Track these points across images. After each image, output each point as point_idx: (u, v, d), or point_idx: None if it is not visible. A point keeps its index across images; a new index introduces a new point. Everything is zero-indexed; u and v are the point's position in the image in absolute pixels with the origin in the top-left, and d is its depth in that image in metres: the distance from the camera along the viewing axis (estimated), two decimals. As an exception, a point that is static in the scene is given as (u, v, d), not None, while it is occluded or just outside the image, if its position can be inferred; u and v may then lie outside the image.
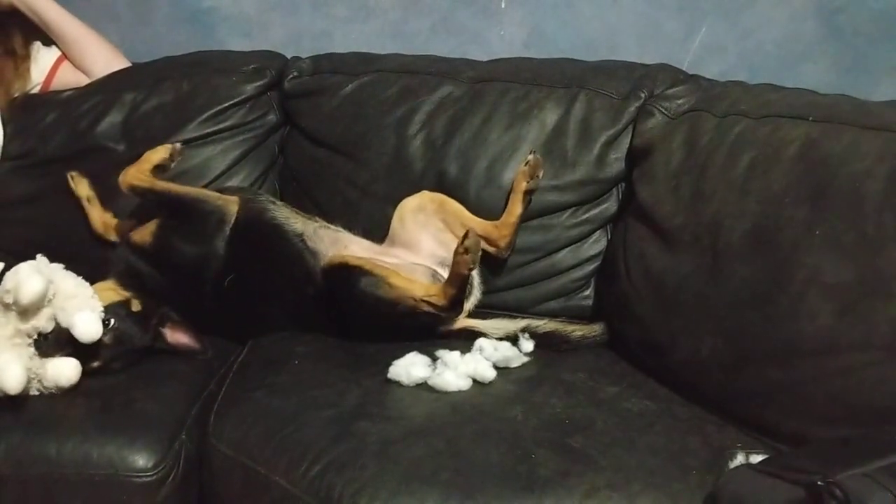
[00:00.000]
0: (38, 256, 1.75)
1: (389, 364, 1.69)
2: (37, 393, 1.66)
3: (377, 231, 2.07)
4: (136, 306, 1.87)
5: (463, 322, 1.94)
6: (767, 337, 1.57)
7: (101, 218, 2.13)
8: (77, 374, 1.67)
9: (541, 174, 1.97)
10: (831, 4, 2.19)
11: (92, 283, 1.80)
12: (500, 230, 1.98)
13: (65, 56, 2.32)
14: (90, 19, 2.33)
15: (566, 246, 2.05)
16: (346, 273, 1.87)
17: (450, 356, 1.71)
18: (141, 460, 1.58)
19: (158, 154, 2.00)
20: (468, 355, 1.73)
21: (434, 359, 1.71)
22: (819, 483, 1.08)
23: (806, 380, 1.52)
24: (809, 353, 1.52)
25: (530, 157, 1.97)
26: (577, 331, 1.93)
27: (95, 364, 1.74)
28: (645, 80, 2.04)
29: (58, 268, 1.76)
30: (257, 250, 1.97)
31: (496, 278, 2.06)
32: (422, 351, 1.73)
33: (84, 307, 1.70)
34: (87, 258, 1.99)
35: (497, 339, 1.84)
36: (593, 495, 1.37)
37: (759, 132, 1.73)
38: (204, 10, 2.43)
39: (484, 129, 2.06)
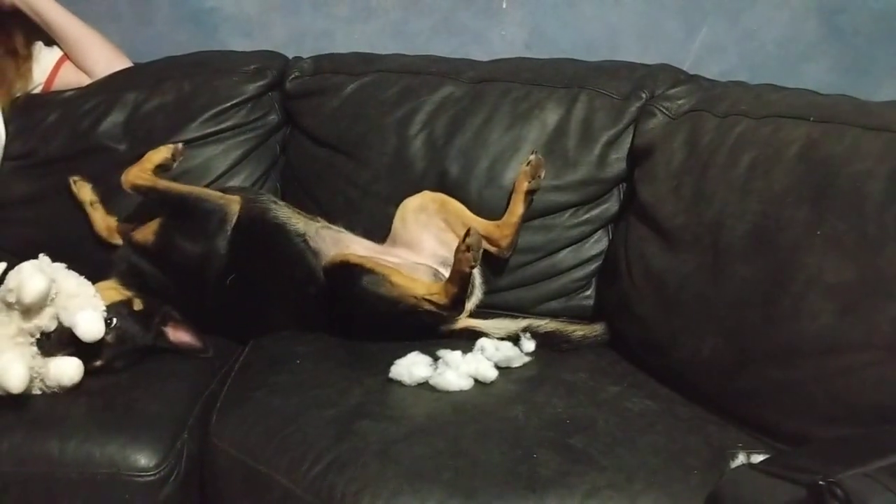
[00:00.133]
0: (41, 256, 1.75)
1: (391, 363, 1.69)
2: (39, 392, 1.66)
3: (379, 231, 2.07)
4: (138, 305, 1.87)
5: (464, 322, 1.94)
6: (768, 337, 1.57)
7: (104, 222, 2.13)
8: (79, 374, 1.67)
9: (542, 174, 1.97)
10: (832, 5, 2.19)
11: (94, 282, 1.80)
12: (501, 230, 1.98)
13: (66, 56, 2.33)
14: (92, 19, 2.34)
15: (567, 246, 2.06)
16: (348, 271, 1.87)
17: (451, 356, 1.71)
18: (143, 459, 1.58)
19: (160, 154, 2.01)
20: (470, 355, 1.73)
21: (436, 358, 1.72)
22: (820, 483, 1.07)
23: (807, 379, 1.52)
24: (810, 352, 1.52)
25: (532, 157, 1.97)
26: (578, 331, 1.93)
27: (97, 363, 1.74)
28: (646, 81, 2.04)
29: (60, 267, 1.76)
30: (259, 250, 1.97)
31: (498, 278, 2.06)
32: (423, 350, 1.73)
33: (86, 306, 1.70)
34: (88, 258, 2.00)
35: (498, 338, 1.84)
36: (594, 495, 1.37)
37: (760, 132, 1.73)
38: (205, 11, 2.44)
39: (485, 129, 2.06)
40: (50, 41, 2.33)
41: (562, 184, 2.02)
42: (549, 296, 2.07)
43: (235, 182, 2.22)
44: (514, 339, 1.85)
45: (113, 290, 1.88)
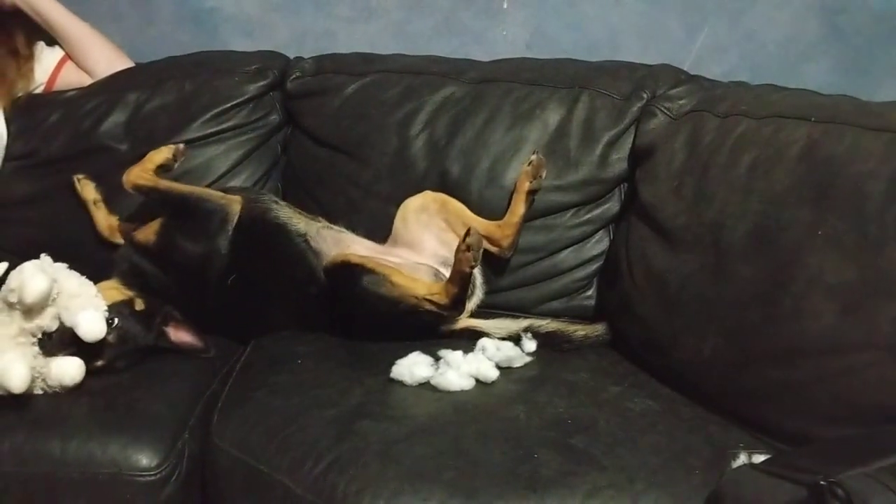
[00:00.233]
0: (42, 256, 1.75)
1: (392, 363, 1.70)
2: (41, 392, 1.66)
3: (380, 231, 2.07)
4: (139, 305, 1.87)
5: (465, 322, 1.94)
6: (769, 337, 1.58)
7: (106, 221, 2.13)
8: (81, 373, 1.67)
9: (544, 174, 1.97)
10: (833, 5, 2.19)
11: (95, 282, 1.80)
12: (502, 230, 1.98)
13: (68, 56, 2.33)
14: (93, 19, 2.34)
15: (568, 246, 2.06)
16: (349, 271, 1.88)
17: (452, 356, 1.71)
18: (144, 459, 1.58)
19: (162, 154, 2.01)
20: (471, 355, 1.73)
21: (437, 358, 1.72)
22: (821, 483, 1.07)
23: (808, 380, 1.52)
24: (812, 352, 1.52)
25: (533, 157, 1.97)
26: (579, 331, 1.93)
27: (99, 363, 1.74)
28: (647, 81, 2.05)
29: (62, 267, 1.76)
30: (260, 250, 1.97)
31: (499, 278, 2.06)
32: (424, 350, 1.73)
33: (88, 306, 1.70)
34: (90, 258, 2.00)
35: (499, 338, 1.84)
36: (596, 495, 1.37)
37: (762, 133, 1.73)
38: (207, 11, 2.44)
39: (486, 130, 2.06)
40: (51, 41, 2.34)
41: (563, 184, 2.02)
42: (550, 296, 2.07)
43: (237, 182, 2.22)
44: (516, 339, 1.85)
45: (114, 290, 1.88)
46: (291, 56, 2.34)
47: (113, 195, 2.13)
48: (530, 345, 1.83)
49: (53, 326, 1.68)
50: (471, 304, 1.97)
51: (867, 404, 1.46)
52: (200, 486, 1.65)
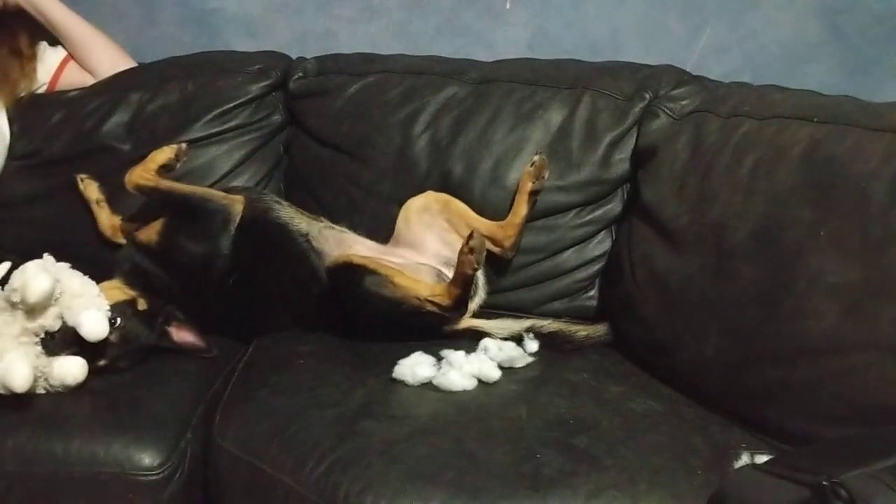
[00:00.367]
0: (45, 255, 1.76)
1: (394, 363, 1.70)
2: (43, 391, 1.67)
3: (382, 231, 2.07)
4: (141, 305, 1.87)
5: (468, 322, 1.94)
6: (772, 337, 1.58)
7: (109, 221, 2.13)
8: (83, 373, 1.68)
9: (546, 175, 1.97)
10: (835, 6, 2.19)
11: (98, 282, 1.81)
12: (505, 230, 1.98)
13: (71, 56, 2.33)
14: (96, 19, 2.34)
15: (571, 246, 2.06)
16: (351, 272, 1.88)
17: (455, 356, 1.71)
18: (147, 459, 1.58)
19: (164, 154, 2.01)
20: (473, 355, 1.73)
21: (439, 358, 1.72)
22: (824, 483, 1.07)
23: (810, 380, 1.52)
24: (814, 353, 1.52)
25: (536, 157, 1.97)
26: (581, 331, 1.93)
27: (101, 363, 1.74)
28: (649, 81, 2.04)
29: (64, 267, 1.77)
30: (262, 250, 1.97)
31: (501, 278, 2.06)
32: (427, 351, 1.73)
33: (90, 306, 1.71)
34: (93, 257, 2.00)
35: (502, 339, 1.84)
36: (598, 495, 1.37)
37: (764, 133, 1.73)
38: (209, 11, 2.44)
39: (489, 130, 2.06)
40: (54, 41, 2.34)
41: (565, 184, 2.02)
42: (552, 296, 2.07)
43: (239, 182, 2.22)
44: (518, 339, 1.85)
45: (117, 290, 1.88)
46: (294, 56, 2.34)
47: (115, 195, 2.13)
48: (532, 345, 1.83)
49: (56, 326, 1.68)
50: (473, 305, 1.97)
51: (869, 404, 1.46)
52: (202, 485, 1.66)
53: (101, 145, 2.21)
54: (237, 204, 1.98)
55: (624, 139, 2.01)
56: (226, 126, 2.23)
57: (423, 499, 1.37)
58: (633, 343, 1.88)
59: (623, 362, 1.87)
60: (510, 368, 1.76)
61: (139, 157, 2.04)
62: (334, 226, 2.05)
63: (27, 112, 2.27)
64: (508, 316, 2.00)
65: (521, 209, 1.97)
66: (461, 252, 1.79)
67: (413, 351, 1.73)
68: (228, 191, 2.06)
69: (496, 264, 2.03)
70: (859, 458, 1.13)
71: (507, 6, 2.34)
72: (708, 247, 1.72)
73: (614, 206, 2.05)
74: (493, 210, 2.02)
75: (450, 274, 1.89)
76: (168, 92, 2.24)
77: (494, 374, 1.71)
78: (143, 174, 1.97)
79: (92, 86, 2.31)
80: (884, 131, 1.57)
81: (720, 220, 1.70)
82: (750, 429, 1.59)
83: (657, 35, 2.30)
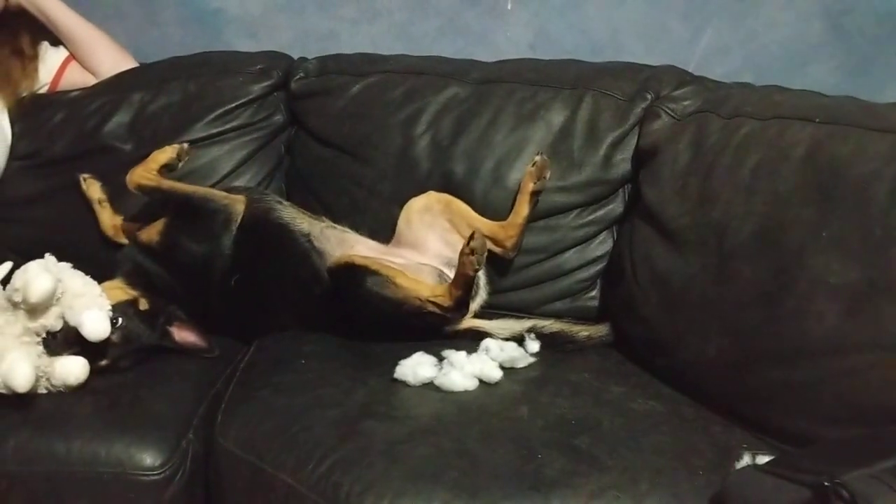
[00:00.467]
0: (47, 255, 1.76)
1: (396, 364, 1.70)
2: (45, 391, 1.67)
3: (383, 231, 2.07)
4: (143, 305, 1.87)
5: (469, 322, 1.94)
6: (774, 337, 1.58)
7: (111, 221, 2.13)
8: (85, 373, 1.68)
9: (548, 175, 1.97)
10: (837, 6, 2.19)
11: (100, 282, 1.81)
12: (506, 231, 1.98)
13: (72, 56, 2.33)
14: (97, 20, 2.34)
15: (572, 247, 2.06)
16: (353, 272, 1.88)
17: (456, 356, 1.71)
18: (148, 459, 1.58)
19: (166, 154, 2.01)
20: (474, 355, 1.73)
21: (440, 359, 1.72)
22: (825, 484, 1.08)
23: (812, 380, 1.52)
24: (816, 353, 1.52)
25: (537, 157, 1.97)
26: (582, 331, 1.93)
27: (103, 362, 1.74)
28: (651, 82, 2.04)
29: (66, 267, 1.77)
30: (264, 250, 1.97)
31: (502, 279, 2.06)
32: (428, 351, 1.73)
33: (92, 306, 1.71)
34: (94, 257, 2.01)
35: (503, 339, 1.84)
36: (599, 495, 1.37)
37: (766, 134, 1.73)
38: (211, 11, 2.44)
39: (490, 130, 2.06)
40: (56, 41, 2.34)
41: (567, 184, 2.02)
42: (553, 296, 2.08)
43: (240, 182, 2.22)
44: (519, 339, 1.85)
45: (118, 290, 1.88)
46: (295, 57, 2.34)
47: (117, 195, 2.14)
48: (534, 345, 1.84)
49: (58, 326, 1.68)
50: (474, 305, 1.97)
51: (870, 405, 1.46)
52: (204, 485, 1.66)
53: (102, 145, 2.21)
54: (238, 204, 1.98)
55: (625, 139, 2.01)
56: (227, 126, 2.23)
57: (425, 499, 1.37)
58: (635, 343, 1.88)
59: (624, 362, 1.87)
60: (511, 369, 1.76)
61: (141, 157, 2.04)
62: (336, 226, 2.05)
63: (29, 112, 2.27)
64: (510, 316, 2.00)
65: (523, 209, 1.97)
66: (462, 253, 1.79)
67: (414, 351, 1.73)
68: (230, 191, 2.06)
69: (498, 265, 2.03)
70: (861, 459, 1.13)
71: (509, 7, 2.34)
72: (709, 247, 1.72)
73: (616, 207, 2.05)
74: (495, 210, 2.02)
75: (451, 274, 1.89)
76: (170, 92, 2.24)
77: (496, 374, 1.71)
78: (144, 174, 1.97)
79: (94, 86, 2.31)
80: (885, 132, 1.57)
81: (722, 220, 1.70)
82: (751, 429, 1.59)
83: (659, 35, 2.30)
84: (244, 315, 1.96)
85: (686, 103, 1.95)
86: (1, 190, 2.24)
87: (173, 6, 2.45)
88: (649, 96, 2.01)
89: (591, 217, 2.05)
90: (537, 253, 2.05)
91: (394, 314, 1.85)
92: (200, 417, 1.69)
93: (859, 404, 1.47)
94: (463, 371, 1.68)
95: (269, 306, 1.96)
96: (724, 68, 2.24)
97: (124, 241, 2.09)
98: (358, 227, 2.07)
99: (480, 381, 1.69)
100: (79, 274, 1.77)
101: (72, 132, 2.23)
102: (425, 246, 2.02)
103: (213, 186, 2.14)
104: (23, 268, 1.69)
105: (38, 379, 1.63)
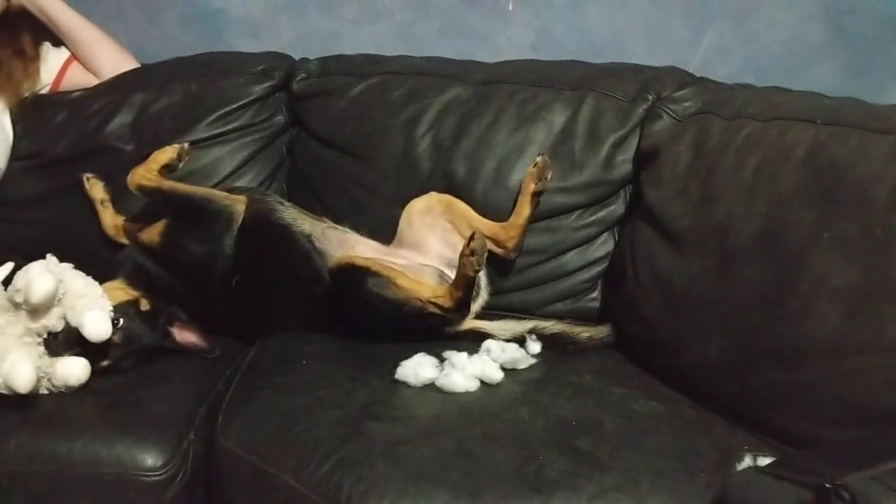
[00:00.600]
0: (48, 256, 1.76)
1: (397, 365, 1.70)
2: (46, 392, 1.67)
3: (384, 232, 2.07)
4: (144, 306, 1.87)
5: (470, 323, 1.94)
6: (775, 339, 1.58)
7: (113, 221, 2.13)
8: (86, 373, 1.68)
9: (549, 176, 1.97)
10: (838, 8, 2.18)
11: (101, 282, 1.81)
12: (507, 231, 1.98)
13: (74, 57, 2.33)
14: (99, 20, 2.34)
15: (573, 248, 2.06)
16: (354, 274, 1.88)
17: (457, 357, 1.71)
18: (149, 459, 1.58)
19: (166, 154, 2.01)
20: (475, 356, 1.73)
21: (441, 360, 1.72)
22: (827, 485, 1.08)
23: (814, 382, 1.52)
24: (817, 354, 1.52)
25: (539, 158, 1.97)
26: (584, 332, 1.93)
27: (104, 363, 1.74)
28: (652, 83, 2.04)
29: (67, 267, 1.77)
30: (265, 250, 1.97)
31: (504, 279, 2.06)
32: (429, 352, 1.73)
33: (93, 306, 1.71)
34: (96, 258, 2.00)
35: (504, 340, 1.84)
36: (601, 496, 1.38)
37: (767, 135, 1.73)
38: (212, 12, 2.44)
39: (492, 131, 2.06)
40: (58, 42, 2.34)
41: (568, 185, 2.02)
42: (555, 297, 2.07)
43: (242, 183, 2.22)
44: (520, 340, 1.85)
45: (120, 291, 1.88)
46: (297, 57, 2.34)
47: (118, 195, 2.13)
48: (535, 346, 1.84)
49: (59, 326, 1.69)
50: (476, 306, 1.97)
51: (872, 406, 1.46)
52: (205, 486, 1.66)
53: (104, 146, 2.21)
54: (240, 204, 1.98)
55: (627, 140, 2.01)
56: (229, 127, 2.23)
57: (426, 500, 1.37)
58: (636, 344, 1.88)
59: (626, 364, 1.87)
60: (513, 370, 1.76)
61: (142, 157, 2.04)
62: (337, 226, 2.05)
63: (30, 113, 2.27)
64: (511, 317, 2.00)
65: (524, 210, 1.97)
66: (462, 254, 1.79)
67: (416, 352, 1.73)
68: (231, 191, 2.06)
69: (499, 265, 2.03)
70: (862, 461, 1.13)
71: (510, 7, 2.34)
72: (711, 248, 1.72)
73: (617, 208, 2.05)
74: (496, 211, 2.02)
75: (452, 275, 1.89)
76: (171, 93, 2.23)
77: (497, 375, 1.71)
78: (145, 174, 1.97)
79: (95, 86, 2.31)
80: (887, 133, 1.57)
81: (723, 221, 1.70)
82: (753, 430, 1.59)
83: (660, 36, 2.29)
84: (245, 316, 1.96)
85: (687, 104, 1.95)
86: (2, 190, 2.24)
87: (175, 6, 2.45)
88: (651, 97, 2.01)
89: (592, 218, 2.05)
90: (538, 254, 2.05)
91: (395, 315, 1.85)
92: (201, 418, 1.69)
93: (861, 405, 1.47)
94: (464, 372, 1.68)
95: (271, 307, 1.96)
96: (726, 69, 2.24)
97: (125, 241, 2.09)
98: (359, 228, 2.07)
99: (481, 382, 1.69)
100: (80, 274, 1.77)
101: (73, 133, 2.23)
102: (426, 247, 2.02)
103: (214, 187, 2.14)
104: (24, 268, 1.69)
105: (39, 379, 1.63)
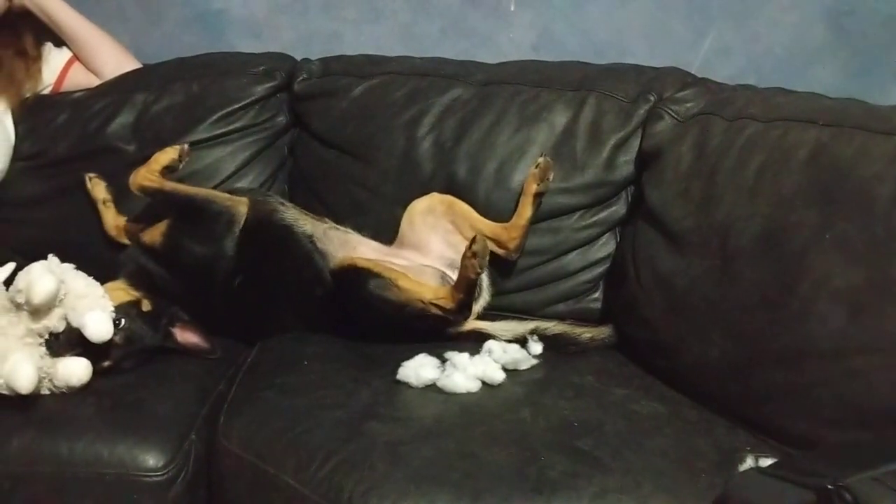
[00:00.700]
0: (50, 256, 1.76)
1: (398, 365, 1.70)
2: (48, 392, 1.67)
3: (386, 232, 2.07)
4: (146, 306, 1.88)
5: (472, 324, 1.94)
6: (777, 340, 1.57)
7: (114, 221, 2.13)
8: (88, 374, 1.68)
9: (551, 177, 1.97)
10: (840, 8, 2.19)
11: (102, 283, 1.81)
12: (509, 232, 1.98)
13: (76, 57, 2.33)
14: (100, 20, 2.34)
15: (575, 248, 2.05)
16: (355, 275, 1.88)
17: (459, 358, 1.71)
18: (151, 460, 1.58)
19: (167, 155, 2.01)
20: (477, 357, 1.73)
21: (443, 360, 1.72)
22: (829, 487, 1.07)
23: (815, 383, 1.52)
24: (819, 355, 1.52)
25: (541, 159, 1.97)
26: (585, 333, 1.93)
27: (106, 364, 1.74)
28: (654, 83, 2.04)
29: (69, 268, 1.77)
30: (266, 251, 1.97)
31: (505, 280, 2.06)
32: (431, 352, 1.73)
33: (95, 307, 1.71)
34: (97, 258, 2.00)
35: (506, 341, 1.84)
36: (602, 498, 1.37)
37: (769, 136, 1.73)
38: (214, 12, 2.44)
39: (493, 132, 2.06)
40: (59, 42, 2.34)
41: (570, 186, 2.01)
42: (556, 298, 2.07)
43: (243, 183, 2.22)
44: (522, 341, 1.85)
45: (121, 291, 1.89)
46: (298, 58, 2.33)
47: (120, 196, 2.13)
48: (536, 347, 1.84)
49: (60, 327, 1.69)
50: (477, 307, 1.97)
51: (875, 408, 1.46)
52: (207, 486, 1.66)
53: (105, 146, 2.21)
54: (241, 205, 1.98)
55: (628, 141, 2.01)
56: (230, 127, 2.23)
57: (428, 501, 1.37)
58: (638, 345, 1.88)
59: (627, 364, 1.87)
60: (514, 371, 1.76)
61: (144, 158, 2.04)
62: (339, 227, 2.05)
63: (32, 113, 2.27)
64: (512, 318, 2.00)
65: (526, 211, 1.97)
66: (464, 256, 1.79)
67: (417, 353, 1.73)
68: (233, 192, 2.06)
69: (500, 266, 2.03)
70: (864, 462, 1.13)
71: (512, 8, 2.34)
72: (712, 249, 1.71)
73: (618, 209, 2.05)
74: (498, 212, 2.02)
75: (454, 276, 1.89)
76: (173, 93, 2.23)
77: (498, 376, 1.71)
78: (147, 175, 1.97)
79: (97, 87, 2.31)
80: (889, 134, 1.57)
81: (725, 222, 1.70)
82: (754, 431, 1.59)
83: (662, 37, 2.30)
84: (247, 316, 1.96)
85: (689, 105, 1.95)
86: (4, 191, 2.23)
87: (176, 7, 2.45)
88: (652, 98, 2.01)
89: (593, 219, 2.05)
90: (540, 254, 2.05)
91: (396, 316, 1.85)
92: (203, 418, 1.69)
93: (862, 406, 1.47)
94: (466, 373, 1.68)
95: (272, 308, 1.96)
96: (728, 70, 2.24)
97: (127, 242, 2.08)
98: (360, 229, 2.07)
99: (483, 382, 1.69)
100: (82, 275, 1.77)
101: (75, 133, 2.23)
102: (428, 247, 2.02)
103: (215, 187, 2.14)
104: (26, 269, 1.69)
105: (40, 380, 1.63)
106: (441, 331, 1.89)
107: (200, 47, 2.39)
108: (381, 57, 2.29)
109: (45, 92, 2.32)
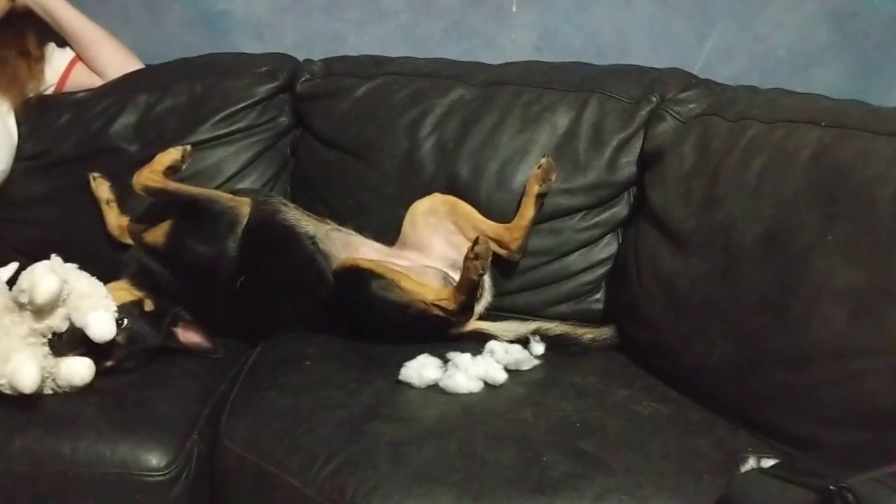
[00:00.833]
0: (53, 256, 1.76)
1: (401, 366, 1.70)
2: (51, 392, 1.67)
3: (388, 233, 2.08)
4: (148, 306, 1.88)
5: (474, 324, 1.94)
6: (779, 341, 1.57)
7: (117, 221, 2.14)
8: (90, 374, 1.68)
9: (553, 178, 1.97)
10: (843, 10, 2.19)
11: (105, 282, 1.81)
12: (511, 233, 1.98)
13: (79, 57, 2.33)
14: (103, 21, 2.34)
15: (577, 249, 2.05)
16: (358, 276, 1.88)
17: (461, 358, 1.72)
18: (153, 459, 1.59)
19: (170, 156, 2.01)
20: (479, 357, 1.74)
21: (445, 361, 1.72)
22: (831, 488, 1.07)
23: (817, 384, 1.52)
24: (821, 357, 1.52)
25: (543, 160, 1.97)
26: (587, 334, 1.93)
27: (109, 363, 1.75)
28: (656, 84, 2.04)
29: (72, 268, 1.77)
30: (269, 252, 1.97)
31: (507, 281, 2.06)
32: (433, 353, 1.73)
33: (98, 307, 1.71)
34: (100, 258, 2.01)
35: (508, 341, 1.84)
36: (604, 498, 1.37)
37: (772, 137, 1.73)
38: (217, 13, 2.44)
39: (495, 132, 2.06)
40: (62, 42, 2.34)
41: (572, 187, 2.02)
42: (558, 299, 2.07)
43: (246, 184, 2.22)
44: (524, 341, 1.85)
45: (124, 291, 1.89)
46: (301, 58, 2.33)
47: (123, 196, 2.14)
48: (538, 348, 1.84)
49: (63, 327, 1.69)
50: (479, 307, 1.97)
51: (875, 409, 1.46)
52: (209, 486, 1.66)
53: (108, 146, 2.21)
54: (244, 206, 1.99)
55: (630, 142, 2.01)
56: (233, 128, 2.23)
57: (430, 501, 1.37)
58: (640, 346, 1.88)
59: (629, 365, 1.87)
60: (516, 371, 1.76)
61: (146, 158, 2.04)
62: (341, 228, 2.05)
63: (35, 113, 2.27)
64: (515, 318, 2.00)
65: (528, 212, 1.97)
66: (466, 258, 1.79)
67: (419, 353, 1.73)
68: (235, 193, 2.06)
69: (503, 267, 2.03)
70: (866, 463, 1.13)
71: (514, 9, 2.34)
72: (714, 250, 1.71)
73: (621, 210, 2.05)
74: (500, 213, 2.02)
75: (456, 276, 1.90)
76: (176, 93, 2.24)
77: (500, 376, 1.71)
78: (150, 176, 1.97)
79: (100, 87, 2.31)
80: (891, 136, 1.57)
81: (727, 223, 1.70)
82: (756, 432, 1.59)
83: (664, 38, 2.30)
84: (249, 316, 1.97)
85: (691, 106, 1.95)
86: (7, 190, 2.24)
87: (179, 7, 2.45)
88: (654, 99, 2.01)
89: (596, 220, 2.05)
90: (542, 255, 2.05)
91: (399, 317, 1.86)
92: (205, 418, 1.70)
93: (864, 408, 1.47)
94: (468, 373, 1.69)
95: (275, 308, 1.96)
96: (730, 71, 2.24)
97: (130, 242, 2.09)
98: (363, 230, 2.07)
99: (485, 383, 1.70)
100: (84, 275, 1.77)
101: (78, 133, 2.24)
102: (430, 248, 2.02)
103: (218, 188, 2.14)
104: (29, 269, 1.69)
105: (43, 380, 1.64)
106: (443, 331, 1.89)
107: (203, 48, 2.39)
108: (383, 58, 2.29)
109: (48, 92, 2.33)
